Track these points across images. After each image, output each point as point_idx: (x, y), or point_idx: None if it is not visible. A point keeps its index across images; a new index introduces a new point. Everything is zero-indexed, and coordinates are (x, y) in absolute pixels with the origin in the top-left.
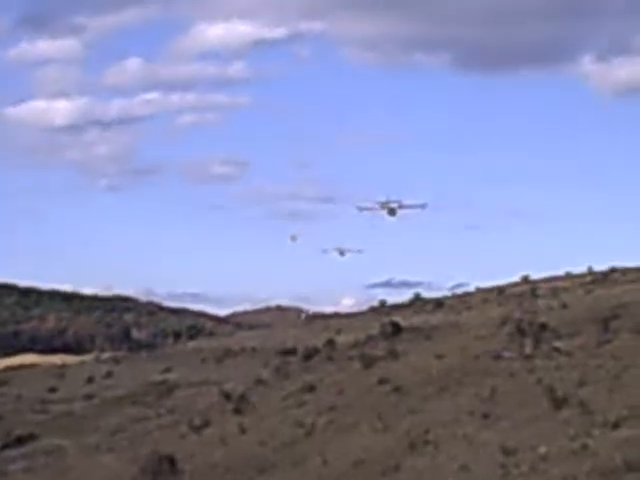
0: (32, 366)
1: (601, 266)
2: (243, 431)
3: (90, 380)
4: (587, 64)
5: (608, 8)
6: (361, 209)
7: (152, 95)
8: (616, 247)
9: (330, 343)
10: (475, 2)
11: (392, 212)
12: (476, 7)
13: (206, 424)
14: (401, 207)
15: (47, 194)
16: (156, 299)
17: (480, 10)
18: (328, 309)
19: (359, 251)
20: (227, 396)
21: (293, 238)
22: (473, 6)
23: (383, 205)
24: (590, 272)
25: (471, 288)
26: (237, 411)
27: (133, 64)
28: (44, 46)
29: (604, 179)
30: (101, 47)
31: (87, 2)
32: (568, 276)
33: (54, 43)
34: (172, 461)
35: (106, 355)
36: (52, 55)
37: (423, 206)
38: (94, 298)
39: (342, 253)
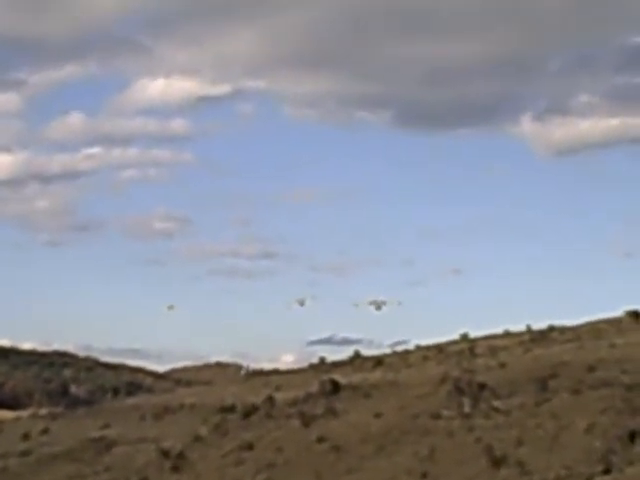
0: None
1: (540, 324)
2: None
3: (26, 436)
4: (526, 123)
5: (546, 69)
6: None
7: (94, 150)
8: (554, 305)
9: (269, 400)
10: (414, 61)
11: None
12: (415, 66)
13: None
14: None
15: None
16: (95, 354)
17: (419, 69)
18: (268, 365)
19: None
20: (165, 454)
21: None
22: (412, 65)
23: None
24: (529, 330)
25: (411, 346)
26: (175, 469)
27: (74, 119)
28: None
29: (543, 236)
30: (42, 102)
31: (27, 58)
32: (507, 334)
33: None
34: None
35: (43, 411)
36: None
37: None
38: (32, 353)
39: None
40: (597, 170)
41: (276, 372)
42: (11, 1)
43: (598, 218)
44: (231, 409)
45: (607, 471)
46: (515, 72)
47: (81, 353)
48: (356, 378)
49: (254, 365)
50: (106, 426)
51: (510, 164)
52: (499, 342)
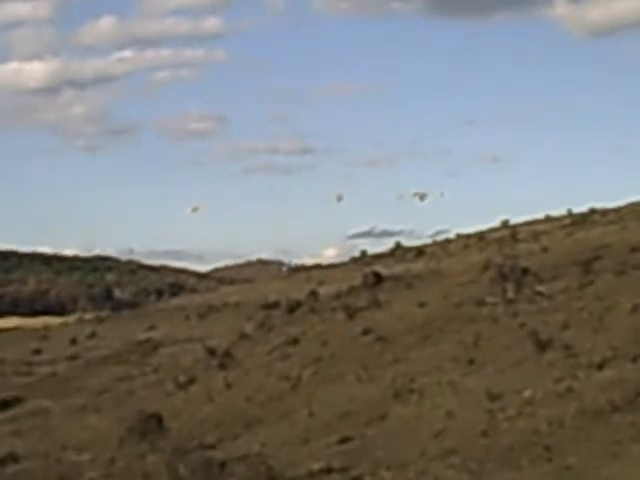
0: (14, 329)
1: (580, 208)
2: (229, 386)
3: (74, 341)
4: (560, 5)
5: None
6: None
7: (126, 53)
8: (595, 189)
9: (313, 295)
10: None
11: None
12: None
13: (191, 381)
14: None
15: (23, 157)
16: (137, 257)
17: None
18: (310, 261)
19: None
20: (212, 352)
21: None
22: None
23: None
24: (570, 214)
25: (452, 235)
26: (222, 366)
27: (105, 22)
28: (14, 8)
29: (580, 120)
30: (72, 7)
31: None
32: (548, 219)
33: (24, 5)
34: (159, 419)
35: (89, 316)
36: (23, 17)
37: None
38: (75, 259)
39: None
40: (634, 50)
41: (318, 267)
42: None
43: (635, 100)
44: (275, 305)
45: None
46: None
47: (123, 257)
48: (398, 269)
49: (296, 261)
50: (152, 328)
51: (545, 48)
52: (540, 227)
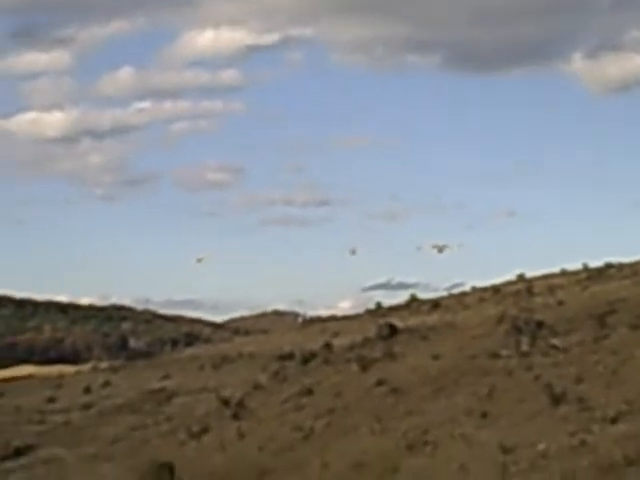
0: (29, 377)
1: (596, 262)
2: (242, 436)
3: (88, 390)
4: (578, 61)
5: (598, 5)
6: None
7: (145, 104)
8: (610, 243)
9: (327, 346)
10: (462, 2)
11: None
12: (463, 7)
13: (205, 430)
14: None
15: (41, 205)
16: (152, 307)
17: (468, 9)
18: (325, 312)
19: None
20: (225, 402)
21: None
22: (460, 6)
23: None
24: (585, 268)
25: (467, 288)
26: (236, 417)
27: (124, 73)
28: (34, 58)
29: (596, 175)
30: (91, 58)
31: (75, 15)
32: (563, 273)
33: (44, 55)
34: (171, 468)
35: (104, 364)
36: (43, 67)
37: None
38: (90, 308)
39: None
40: None
41: (333, 318)
42: None
43: None
44: (289, 356)
45: None
46: (565, 9)
47: (139, 306)
48: (413, 321)
49: (311, 312)
50: (166, 377)
51: (562, 103)
52: (556, 281)
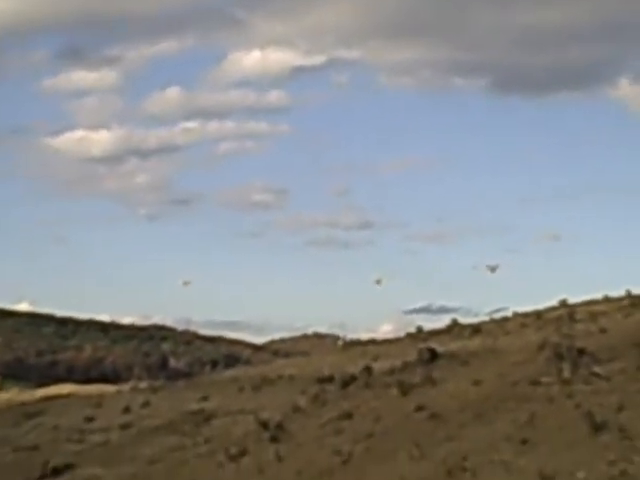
0: (69, 396)
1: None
2: (280, 459)
3: (127, 409)
4: (625, 86)
5: None
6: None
7: (191, 123)
8: None
9: (367, 370)
10: (510, 26)
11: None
12: (511, 31)
13: (243, 453)
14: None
15: (85, 224)
16: (193, 327)
17: (515, 34)
18: (365, 335)
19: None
20: (264, 424)
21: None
22: (508, 30)
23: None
24: (629, 295)
25: (509, 313)
26: (274, 439)
27: (171, 93)
28: (82, 77)
29: None
30: (139, 77)
31: (122, 35)
32: (606, 300)
33: (92, 74)
34: None
35: (143, 384)
36: (90, 86)
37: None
38: (131, 327)
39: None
40: None
41: (373, 342)
42: None
43: None
44: (329, 379)
45: None
46: (613, 34)
47: (180, 326)
48: (454, 346)
49: (351, 335)
50: (205, 398)
51: (609, 128)
52: (598, 308)
